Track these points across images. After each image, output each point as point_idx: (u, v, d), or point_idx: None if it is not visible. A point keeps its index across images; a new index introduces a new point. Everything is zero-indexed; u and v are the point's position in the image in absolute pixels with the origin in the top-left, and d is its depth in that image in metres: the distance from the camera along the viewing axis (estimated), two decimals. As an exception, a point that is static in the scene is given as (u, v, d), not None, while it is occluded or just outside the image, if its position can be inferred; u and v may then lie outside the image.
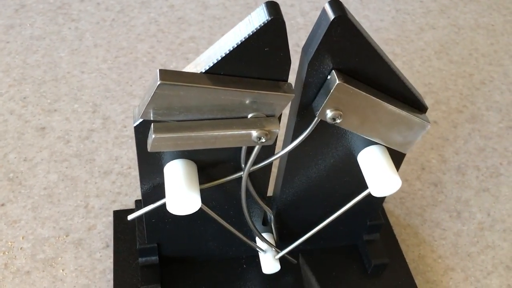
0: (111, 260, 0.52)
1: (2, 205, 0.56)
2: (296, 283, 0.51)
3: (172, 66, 0.73)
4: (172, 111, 0.34)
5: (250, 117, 0.36)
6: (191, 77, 0.33)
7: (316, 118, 0.37)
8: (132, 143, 0.63)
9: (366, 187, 0.42)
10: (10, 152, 0.60)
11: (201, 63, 0.35)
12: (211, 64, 0.34)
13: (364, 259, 0.53)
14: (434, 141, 0.68)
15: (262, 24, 0.32)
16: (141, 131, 0.37)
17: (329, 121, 0.37)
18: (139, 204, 0.51)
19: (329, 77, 0.36)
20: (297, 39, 0.80)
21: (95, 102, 0.67)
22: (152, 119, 0.35)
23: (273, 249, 0.49)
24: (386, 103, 0.38)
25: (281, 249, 0.48)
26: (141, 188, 0.42)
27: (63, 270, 0.51)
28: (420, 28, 0.85)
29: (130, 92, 0.69)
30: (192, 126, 0.35)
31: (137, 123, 0.36)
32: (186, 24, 0.80)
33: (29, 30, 0.76)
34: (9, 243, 0.53)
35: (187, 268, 0.51)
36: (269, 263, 0.49)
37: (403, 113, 0.38)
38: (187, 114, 0.35)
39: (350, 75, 0.36)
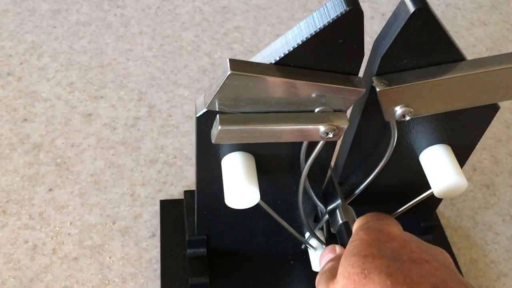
0: (158, 250, 0.52)
1: (50, 190, 0.56)
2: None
3: (216, 56, 0.73)
4: (238, 102, 0.33)
5: (317, 111, 0.35)
6: (261, 68, 0.32)
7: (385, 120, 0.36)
8: (177, 132, 0.63)
9: (425, 188, 0.41)
10: (57, 138, 0.60)
11: (270, 54, 0.33)
12: (282, 55, 0.32)
13: None
14: (486, 142, 0.65)
15: (340, 15, 0.30)
16: (204, 122, 0.36)
17: (398, 118, 0.36)
18: (188, 195, 0.51)
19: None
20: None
21: (141, 90, 0.67)
22: (217, 109, 0.34)
23: (324, 246, 0.48)
24: (463, 73, 0.35)
25: None
26: (197, 178, 0.41)
27: (110, 258, 0.51)
28: (471, 23, 0.82)
29: (175, 81, 0.69)
30: (258, 119, 0.34)
31: (201, 113, 0.35)
32: (230, 13, 0.79)
33: (76, 16, 0.75)
34: (57, 228, 0.53)
35: (233, 261, 0.50)
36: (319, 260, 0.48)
37: (490, 68, 0.35)
38: (254, 106, 0.34)
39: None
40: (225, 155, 0.39)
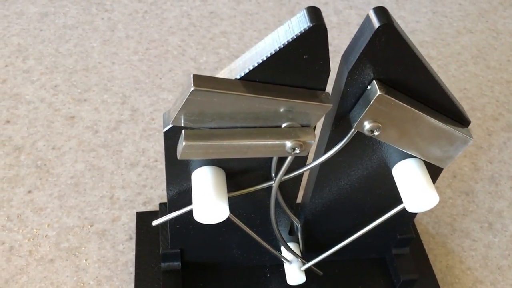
0: (134, 252, 0.52)
1: (29, 192, 0.56)
2: (320, 295, 0.50)
3: (202, 61, 0.73)
4: (204, 118, 0.33)
5: (284, 127, 0.35)
6: (225, 84, 0.32)
7: (353, 130, 0.36)
8: (160, 136, 0.63)
9: (399, 201, 0.41)
10: (39, 140, 0.61)
11: (236, 69, 0.33)
12: (247, 71, 0.32)
13: (392, 273, 0.51)
14: (468, 149, 0.66)
15: (303, 31, 0.30)
16: (171, 137, 0.35)
17: (366, 133, 0.36)
18: (163, 208, 0.50)
19: (369, 87, 0.34)
20: (330, 38, 0.78)
21: (125, 93, 0.67)
22: (183, 125, 0.34)
23: (299, 260, 0.47)
24: (428, 116, 0.36)
25: (307, 260, 0.47)
26: (167, 193, 0.41)
27: (86, 260, 0.51)
28: (457, 31, 0.83)
29: (159, 85, 0.69)
30: (224, 135, 0.34)
31: (167, 128, 0.35)
32: (218, 18, 0.80)
33: (63, 19, 0.76)
34: (35, 230, 0.53)
35: (209, 274, 0.50)
36: (295, 274, 0.48)
37: (445, 127, 0.37)
38: (220, 121, 0.34)
39: (391, 86, 0.35)
40: (195, 169, 0.39)
